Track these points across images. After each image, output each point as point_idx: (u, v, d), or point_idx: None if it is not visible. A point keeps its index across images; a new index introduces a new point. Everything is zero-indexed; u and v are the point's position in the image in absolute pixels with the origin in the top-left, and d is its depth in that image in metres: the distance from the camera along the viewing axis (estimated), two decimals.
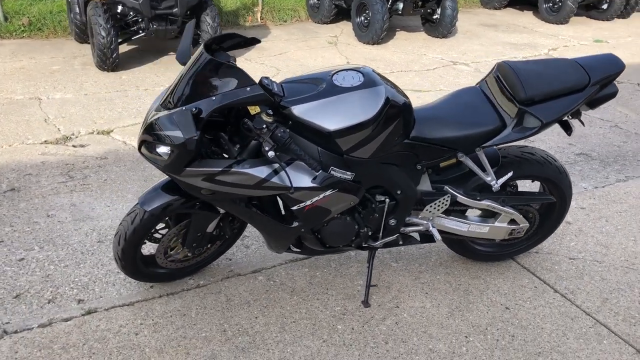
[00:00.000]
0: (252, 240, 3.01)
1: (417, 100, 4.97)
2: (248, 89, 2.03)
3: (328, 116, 2.15)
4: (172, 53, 6.28)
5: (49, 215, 3.19)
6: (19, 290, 2.61)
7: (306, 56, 6.34)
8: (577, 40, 7.70)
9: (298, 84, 2.28)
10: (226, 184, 2.14)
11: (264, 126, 2.04)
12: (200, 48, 2.12)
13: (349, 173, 2.24)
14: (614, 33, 8.18)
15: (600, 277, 2.86)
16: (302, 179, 2.19)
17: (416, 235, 2.66)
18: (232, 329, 2.43)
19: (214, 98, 2.04)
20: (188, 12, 5.64)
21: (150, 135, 2.14)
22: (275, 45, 6.86)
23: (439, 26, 7.32)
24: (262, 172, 2.13)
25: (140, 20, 5.57)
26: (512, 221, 2.63)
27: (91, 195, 3.41)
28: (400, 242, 2.59)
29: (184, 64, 2.28)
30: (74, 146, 4.05)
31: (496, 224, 2.62)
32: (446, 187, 2.49)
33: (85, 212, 3.23)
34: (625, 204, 3.57)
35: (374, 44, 6.98)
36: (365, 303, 2.60)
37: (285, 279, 2.76)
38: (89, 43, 6.18)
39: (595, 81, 2.35)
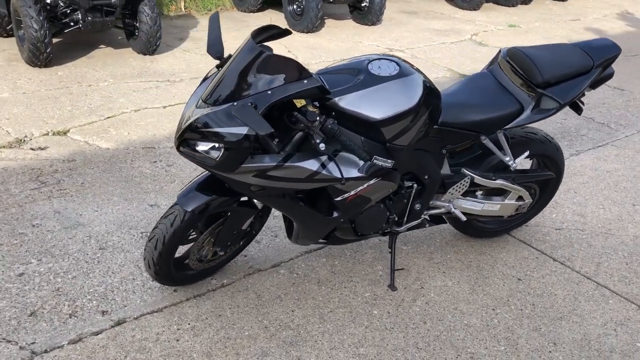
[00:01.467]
0: (261, 235, 2.98)
1: None
2: (305, 81, 2.01)
3: (373, 106, 2.18)
4: (103, 46, 5.95)
5: (34, 225, 2.97)
6: (32, 307, 2.42)
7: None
8: (493, 25, 8.16)
9: (334, 74, 2.28)
10: (278, 179, 2.11)
11: (317, 118, 2.04)
12: (250, 41, 2.07)
13: (389, 161, 2.28)
14: (523, 18, 8.76)
15: (587, 244, 3.12)
16: (349, 170, 2.20)
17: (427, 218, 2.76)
18: (273, 325, 2.41)
19: (269, 92, 2.00)
20: (126, 3, 5.36)
21: (198, 134, 2.06)
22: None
23: (367, 14, 7.47)
24: (313, 164, 2.13)
25: (75, 11, 5.22)
26: (520, 198, 2.81)
27: (73, 201, 3.20)
28: (427, 225, 2.69)
29: (218, 57, 2.21)
30: (32, 149, 3.76)
31: (506, 201, 2.78)
32: (464, 170, 2.61)
33: (73, 219, 3.03)
34: (585, 175, 3.90)
35: (308, 32, 7.00)
36: (392, 287, 2.67)
37: (307, 270, 2.76)
38: (5, 37, 5.73)
39: (598, 64, 2.56)
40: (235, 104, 2.02)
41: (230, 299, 2.54)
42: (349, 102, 2.17)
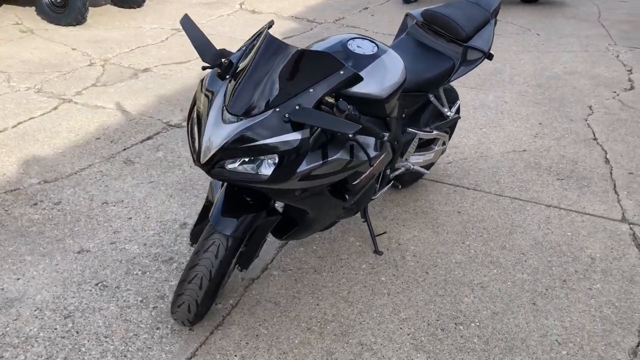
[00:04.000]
0: None
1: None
2: (342, 72, 1.98)
3: (377, 84, 2.24)
4: None
5: None
6: None
7: (9, 50, 5.36)
8: None
9: None
10: (320, 177, 2.06)
11: (348, 107, 2.04)
12: (272, 37, 1.93)
13: (386, 134, 2.39)
14: None
15: (477, 169, 3.67)
16: (370, 151, 2.25)
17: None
18: (313, 324, 2.39)
19: (311, 90, 1.93)
20: None
21: (239, 151, 1.89)
22: None
23: None
24: (345, 154, 2.13)
25: None
26: (443, 143, 3.16)
27: None
28: (399, 187, 2.87)
29: (218, 65, 2.01)
30: None
31: (436, 148, 3.11)
32: (409, 129, 2.84)
33: None
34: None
35: (77, 25, 6.28)
36: (378, 252, 2.82)
37: (296, 263, 2.74)
38: None
39: (492, 13, 2.98)
40: (278, 109, 1.90)
41: (253, 317, 2.41)
42: (357, 85, 2.19)
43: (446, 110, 2.92)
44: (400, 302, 2.52)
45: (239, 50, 2.10)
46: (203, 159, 1.92)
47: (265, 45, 1.96)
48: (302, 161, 1.94)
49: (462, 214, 3.17)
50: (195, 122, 2.03)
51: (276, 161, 1.90)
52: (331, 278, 2.64)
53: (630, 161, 3.82)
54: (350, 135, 2.01)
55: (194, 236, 2.31)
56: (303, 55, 1.94)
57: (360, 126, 1.82)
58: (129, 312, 2.39)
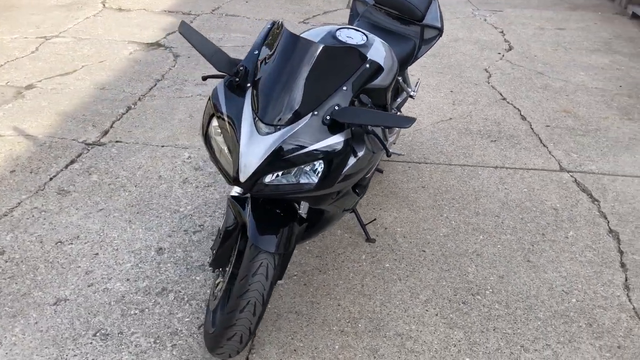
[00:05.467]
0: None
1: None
2: (367, 65, 1.92)
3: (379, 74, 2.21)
4: None
5: None
6: None
7: None
8: None
9: None
10: (353, 176, 2.01)
11: (370, 100, 2.00)
12: (293, 35, 1.82)
13: None
14: None
15: (418, 142, 3.79)
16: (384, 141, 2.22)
17: None
18: (344, 325, 2.34)
19: (344, 88, 1.86)
20: None
21: (284, 162, 1.77)
22: None
23: None
24: (367, 148, 2.08)
25: None
26: None
27: None
28: (382, 171, 2.86)
29: (235, 73, 1.86)
30: None
31: (397, 129, 3.16)
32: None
33: None
34: None
35: None
36: (371, 240, 2.82)
37: (298, 267, 2.65)
38: None
39: None
40: (316, 112, 1.80)
41: (281, 332, 2.29)
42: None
43: (411, 90, 2.95)
44: (415, 285, 2.55)
45: (250, 53, 1.94)
46: (243, 178, 1.77)
47: (286, 44, 1.84)
48: (346, 163, 1.86)
49: (427, 188, 3.26)
50: (219, 139, 1.86)
51: (319, 167, 1.80)
52: (339, 275, 2.59)
53: (542, 115, 4.17)
54: (370, 129, 1.98)
55: (217, 262, 2.12)
56: (329, 51, 1.84)
57: (416, 118, 1.78)
58: (147, 358, 2.15)
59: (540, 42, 5.74)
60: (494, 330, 2.32)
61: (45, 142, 3.63)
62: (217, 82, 2.24)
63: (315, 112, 1.80)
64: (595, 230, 2.93)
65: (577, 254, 2.76)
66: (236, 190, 2.05)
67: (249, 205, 1.96)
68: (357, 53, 1.90)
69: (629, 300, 2.50)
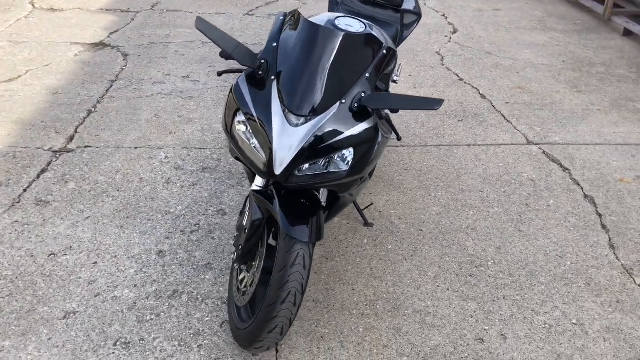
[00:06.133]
0: (217, 262, 2.62)
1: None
2: (384, 51, 1.96)
3: None
4: None
5: None
6: None
7: None
8: None
9: None
10: (374, 159, 2.05)
11: (384, 85, 2.05)
12: (315, 26, 1.83)
13: None
14: None
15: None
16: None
17: None
18: (363, 309, 2.39)
19: (367, 75, 1.89)
20: None
21: (319, 152, 1.79)
22: None
23: None
24: (382, 133, 2.12)
25: None
26: None
27: None
28: None
29: (258, 67, 1.85)
30: None
31: None
32: None
33: None
34: None
35: None
36: (369, 224, 2.87)
37: None
38: None
39: None
40: (344, 100, 1.83)
41: (303, 321, 2.31)
42: None
43: (394, 75, 3.01)
44: (421, 263, 2.62)
45: (268, 46, 1.93)
46: (279, 170, 1.77)
47: (307, 33, 1.85)
48: (374, 149, 1.90)
49: (409, 170, 3.35)
50: (247, 134, 1.85)
51: (349, 155, 1.83)
52: (346, 260, 2.63)
53: (499, 93, 4.36)
54: (384, 114, 2.02)
55: (244, 258, 2.10)
56: (350, 39, 1.87)
57: (444, 99, 1.84)
58: None
59: (482, 23, 5.97)
60: (504, 298, 2.44)
61: (9, 153, 3.44)
62: (232, 77, 2.21)
63: (343, 101, 1.82)
64: (572, 197, 3.11)
65: (561, 220, 2.92)
66: (257, 184, 2.04)
67: (276, 198, 1.96)
68: (375, 40, 1.94)
69: (617, 258, 2.68)
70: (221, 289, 2.45)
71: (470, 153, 3.53)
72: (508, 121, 3.93)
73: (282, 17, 1.98)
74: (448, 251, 2.70)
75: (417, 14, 2.99)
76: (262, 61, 1.87)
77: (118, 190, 3.09)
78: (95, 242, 2.71)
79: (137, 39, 5.36)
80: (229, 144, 2.03)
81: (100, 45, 5.24)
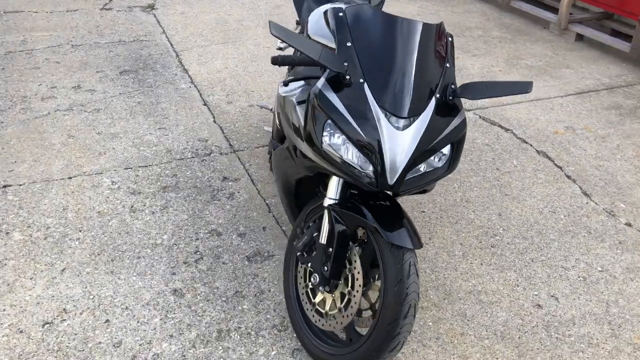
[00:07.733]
0: (233, 263, 2.39)
1: None
2: (449, 38, 1.89)
3: None
4: None
5: None
6: None
7: None
8: None
9: None
10: None
11: None
12: (393, 18, 1.71)
13: None
14: None
15: None
16: None
17: None
18: (421, 302, 2.35)
19: (448, 65, 1.82)
20: None
21: (427, 153, 1.70)
22: None
23: None
24: None
25: None
26: None
27: None
28: None
29: (344, 69, 1.68)
30: None
31: None
32: None
33: None
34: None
35: None
36: None
37: None
38: None
39: None
40: (438, 95, 1.75)
41: None
42: None
43: None
44: (443, 245, 2.64)
45: (342, 47, 1.75)
46: (393, 178, 1.64)
47: (386, 28, 1.71)
48: (464, 141, 1.84)
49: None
50: (347, 146, 1.67)
51: (447, 150, 1.77)
52: None
53: None
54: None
55: (328, 280, 1.92)
56: (427, 29, 1.77)
57: (532, 81, 1.83)
58: None
59: None
60: (532, 261, 2.56)
61: None
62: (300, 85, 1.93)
63: (437, 95, 1.73)
64: (529, 154, 3.35)
65: (533, 178, 3.13)
66: (331, 197, 1.87)
67: (364, 209, 1.81)
68: (440, 28, 1.86)
69: (596, 204, 2.96)
70: (268, 316, 2.23)
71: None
72: None
73: (341, 14, 1.80)
74: (458, 227, 2.74)
75: None
76: (346, 64, 1.69)
77: (80, 231, 2.63)
78: (91, 296, 2.28)
79: None
80: (311, 157, 1.78)
81: None
